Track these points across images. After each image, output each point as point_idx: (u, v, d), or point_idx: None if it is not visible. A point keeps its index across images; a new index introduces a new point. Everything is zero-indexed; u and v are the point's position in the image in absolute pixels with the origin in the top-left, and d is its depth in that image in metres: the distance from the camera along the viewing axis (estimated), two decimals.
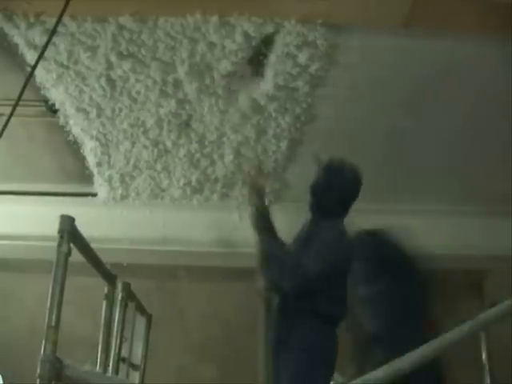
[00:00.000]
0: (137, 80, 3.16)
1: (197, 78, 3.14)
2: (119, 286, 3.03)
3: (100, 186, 4.14)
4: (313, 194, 2.73)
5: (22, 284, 5.12)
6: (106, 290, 2.88)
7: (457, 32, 2.79)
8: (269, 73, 3.15)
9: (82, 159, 3.94)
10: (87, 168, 4.01)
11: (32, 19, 2.71)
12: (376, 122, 3.60)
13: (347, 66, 3.07)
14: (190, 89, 3.21)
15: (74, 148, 3.83)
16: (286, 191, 4.26)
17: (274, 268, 2.60)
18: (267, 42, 2.92)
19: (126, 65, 3.04)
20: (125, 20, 2.74)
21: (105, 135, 3.65)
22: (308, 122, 3.55)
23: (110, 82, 3.17)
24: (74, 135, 3.69)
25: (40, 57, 2.66)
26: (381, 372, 2.10)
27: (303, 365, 2.45)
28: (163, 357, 4.24)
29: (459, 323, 2.14)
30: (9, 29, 2.78)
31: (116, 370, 2.72)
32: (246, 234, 4.42)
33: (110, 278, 2.84)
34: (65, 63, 3.04)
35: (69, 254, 2.08)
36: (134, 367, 3.33)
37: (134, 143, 3.72)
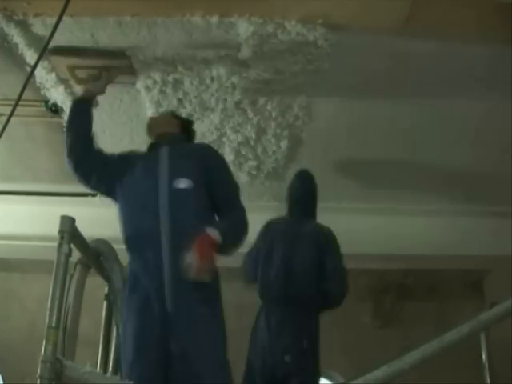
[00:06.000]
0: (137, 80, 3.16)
1: (197, 77, 3.14)
2: None
3: None
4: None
5: (22, 284, 5.13)
6: (106, 290, 2.88)
7: (457, 32, 2.79)
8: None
9: None
10: None
11: (32, 19, 2.70)
12: (376, 121, 3.60)
13: (347, 66, 3.07)
14: (190, 89, 3.21)
15: None
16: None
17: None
18: None
19: None
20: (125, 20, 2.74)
21: None
22: (308, 122, 3.55)
23: None
24: None
25: (40, 57, 2.66)
26: (381, 372, 2.10)
27: None
28: None
29: (459, 323, 2.14)
30: (9, 29, 2.77)
31: (116, 370, 2.71)
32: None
33: (110, 278, 2.83)
34: None
35: (69, 254, 2.08)
36: None
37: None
